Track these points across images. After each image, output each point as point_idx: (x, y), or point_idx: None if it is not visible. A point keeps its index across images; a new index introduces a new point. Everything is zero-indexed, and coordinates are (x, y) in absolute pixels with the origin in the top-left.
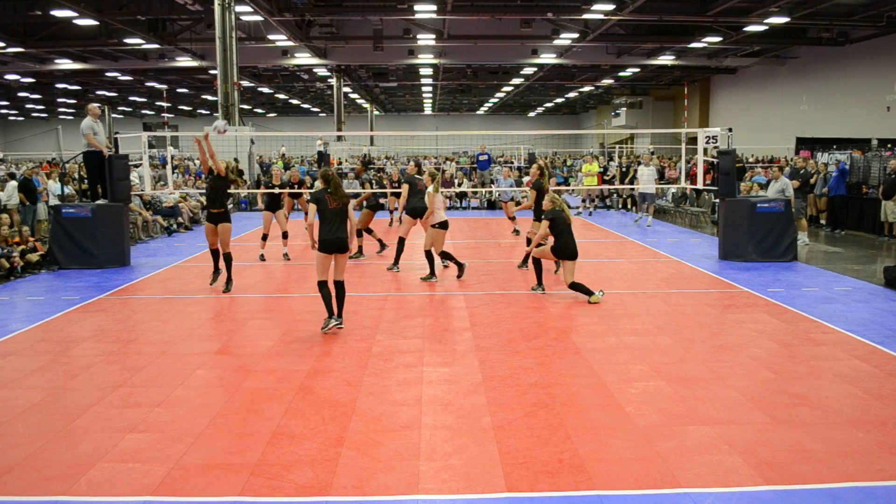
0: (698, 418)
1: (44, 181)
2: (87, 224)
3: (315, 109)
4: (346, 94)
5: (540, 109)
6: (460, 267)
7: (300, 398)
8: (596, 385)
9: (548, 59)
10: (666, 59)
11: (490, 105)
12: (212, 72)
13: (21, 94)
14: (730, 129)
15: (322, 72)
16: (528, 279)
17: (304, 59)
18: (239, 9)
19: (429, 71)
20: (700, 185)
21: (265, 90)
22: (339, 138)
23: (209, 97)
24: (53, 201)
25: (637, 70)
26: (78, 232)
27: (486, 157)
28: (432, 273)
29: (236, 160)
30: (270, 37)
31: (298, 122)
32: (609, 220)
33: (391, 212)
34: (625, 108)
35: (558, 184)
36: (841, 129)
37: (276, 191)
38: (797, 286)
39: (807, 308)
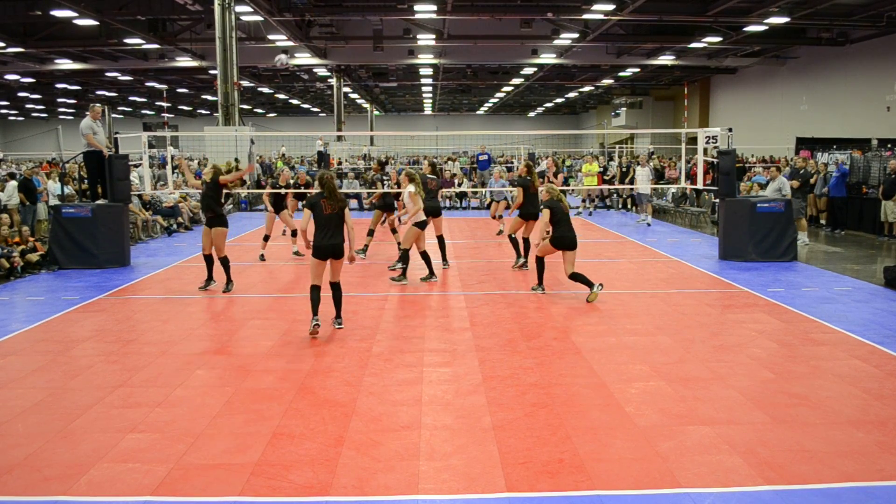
0: (698, 418)
1: (44, 181)
2: (87, 224)
3: (315, 109)
4: (346, 94)
5: (540, 109)
6: (431, 273)
7: (300, 398)
8: (596, 385)
9: (548, 59)
10: (666, 59)
11: (490, 105)
12: (212, 72)
13: (21, 94)
14: (730, 129)
15: (322, 72)
16: (527, 279)
17: (304, 59)
18: (239, 9)
19: (429, 71)
20: (700, 185)
21: (265, 90)
22: (339, 138)
23: (209, 97)
24: (53, 201)
25: (637, 70)
26: (78, 232)
27: (486, 157)
28: (431, 273)
29: (237, 160)
30: (270, 37)
31: (298, 122)
32: (609, 220)
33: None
34: (625, 108)
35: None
36: (841, 129)
37: (283, 191)
38: (797, 286)
39: (807, 308)
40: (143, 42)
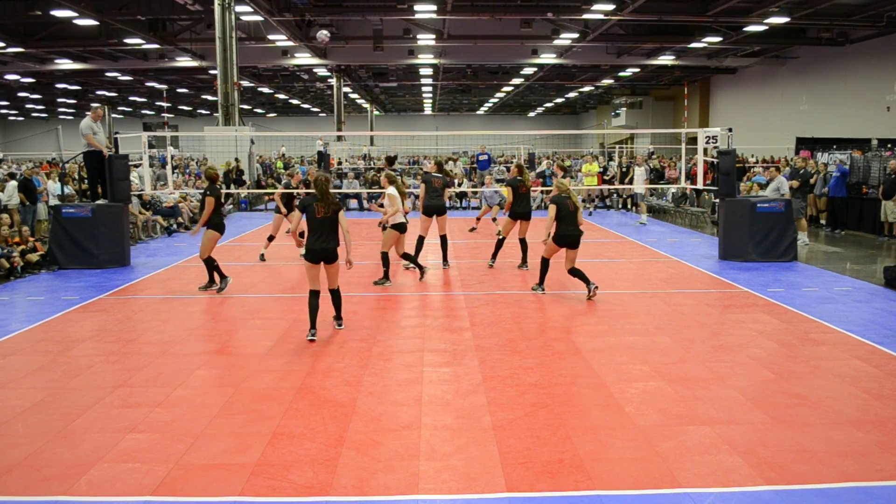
0: (698, 418)
1: (44, 181)
2: (87, 224)
3: (315, 109)
4: (346, 94)
5: (540, 109)
6: (421, 270)
7: (300, 398)
8: (596, 385)
9: (548, 59)
10: (666, 59)
11: (490, 105)
12: (212, 72)
13: (21, 94)
14: (730, 129)
15: (322, 72)
16: (528, 279)
17: (304, 59)
18: (239, 9)
19: (429, 71)
20: (700, 185)
21: (265, 90)
22: (339, 138)
23: (209, 97)
24: (53, 201)
25: (637, 70)
26: (78, 232)
27: (486, 157)
28: (386, 276)
29: (237, 160)
30: (270, 37)
31: (298, 122)
32: (609, 220)
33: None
34: (625, 108)
35: None
36: (841, 129)
37: (295, 192)
38: (797, 286)
39: (807, 308)
40: (143, 42)
